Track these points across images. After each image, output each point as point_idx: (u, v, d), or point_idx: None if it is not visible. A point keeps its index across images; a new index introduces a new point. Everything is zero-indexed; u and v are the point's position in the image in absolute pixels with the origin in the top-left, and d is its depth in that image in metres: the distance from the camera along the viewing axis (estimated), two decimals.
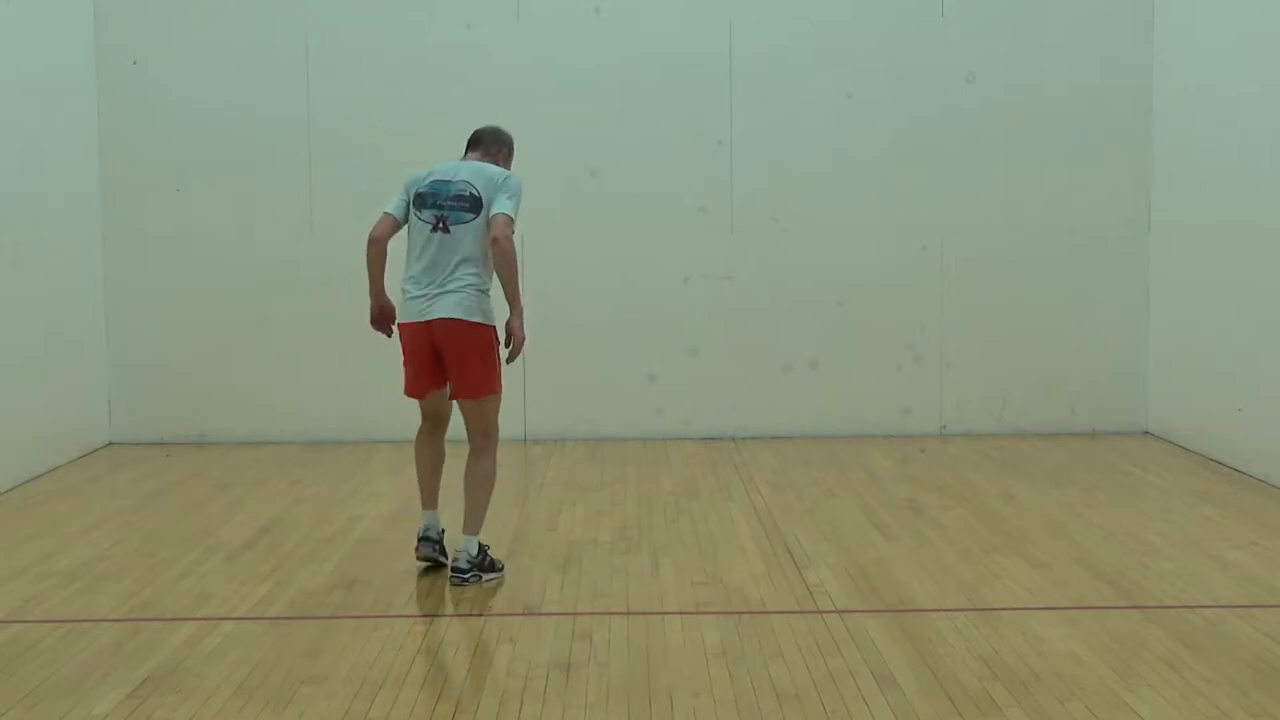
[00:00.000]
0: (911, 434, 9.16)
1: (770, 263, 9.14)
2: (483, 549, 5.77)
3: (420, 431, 6.06)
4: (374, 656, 4.78)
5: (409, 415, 9.18)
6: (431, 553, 5.85)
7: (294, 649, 4.88)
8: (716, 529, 6.67)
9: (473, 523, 5.75)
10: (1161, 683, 4.45)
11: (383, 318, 5.95)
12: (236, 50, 9.03)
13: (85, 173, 8.87)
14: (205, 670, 4.65)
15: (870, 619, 5.16)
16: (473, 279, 5.66)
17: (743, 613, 5.29)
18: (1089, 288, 9.18)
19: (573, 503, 7.29)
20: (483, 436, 5.78)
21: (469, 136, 6.03)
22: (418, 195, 5.77)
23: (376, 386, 8.99)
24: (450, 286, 5.64)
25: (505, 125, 6.11)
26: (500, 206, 5.64)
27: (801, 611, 5.29)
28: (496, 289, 5.70)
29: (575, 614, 5.29)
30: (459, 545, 5.75)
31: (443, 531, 5.92)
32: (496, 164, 5.90)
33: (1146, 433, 9.15)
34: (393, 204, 5.85)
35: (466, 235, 5.66)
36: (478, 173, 5.76)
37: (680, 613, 5.30)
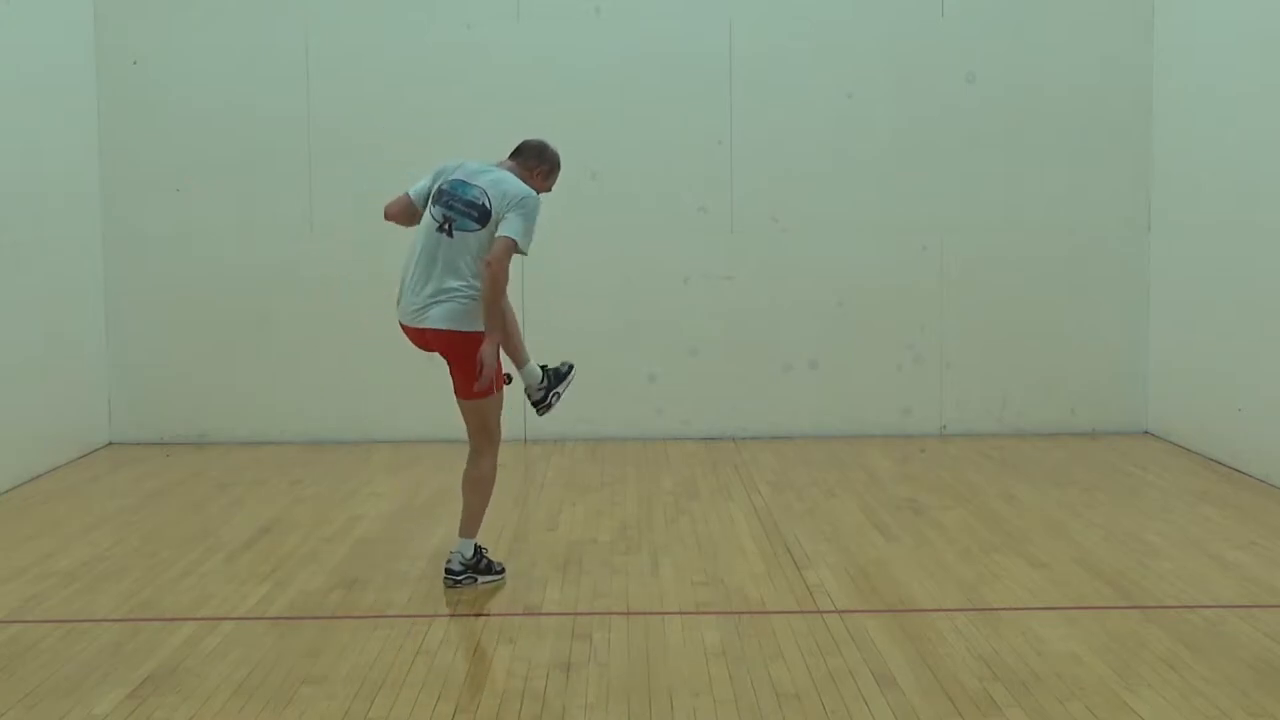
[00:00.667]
0: (911, 434, 9.16)
1: (770, 263, 9.14)
2: (479, 551, 5.76)
3: None
4: (374, 656, 4.78)
5: (409, 415, 9.23)
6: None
7: (294, 649, 4.88)
8: (716, 529, 6.67)
9: (468, 525, 5.74)
10: (1161, 683, 4.45)
11: None
12: (236, 50, 9.03)
13: (85, 173, 8.87)
14: (205, 670, 4.65)
15: (870, 619, 5.16)
16: (463, 286, 5.54)
17: (743, 613, 5.30)
18: (1089, 288, 9.18)
19: (573, 503, 7.29)
20: (481, 438, 5.74)
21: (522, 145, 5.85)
22: (438, 190, 5.66)
23: (376, 386, 9.04)
24: (441, 295, 5.55)
25: (553, 144, 5.87)
26: (507, 228, 5.48)
27: (801, 611, 5.29)
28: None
29: (575, 614, 5.29)
30: (454, 546, 5.75)
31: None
32: (528, 180, 5.70)
33: (1146, 433, 9.15)
34: (416, 187, 5.74)
35: (468, 244, 5.54)
36: (498, 184, 5.57)
37: (680, 613, 5.30)
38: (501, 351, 5.69)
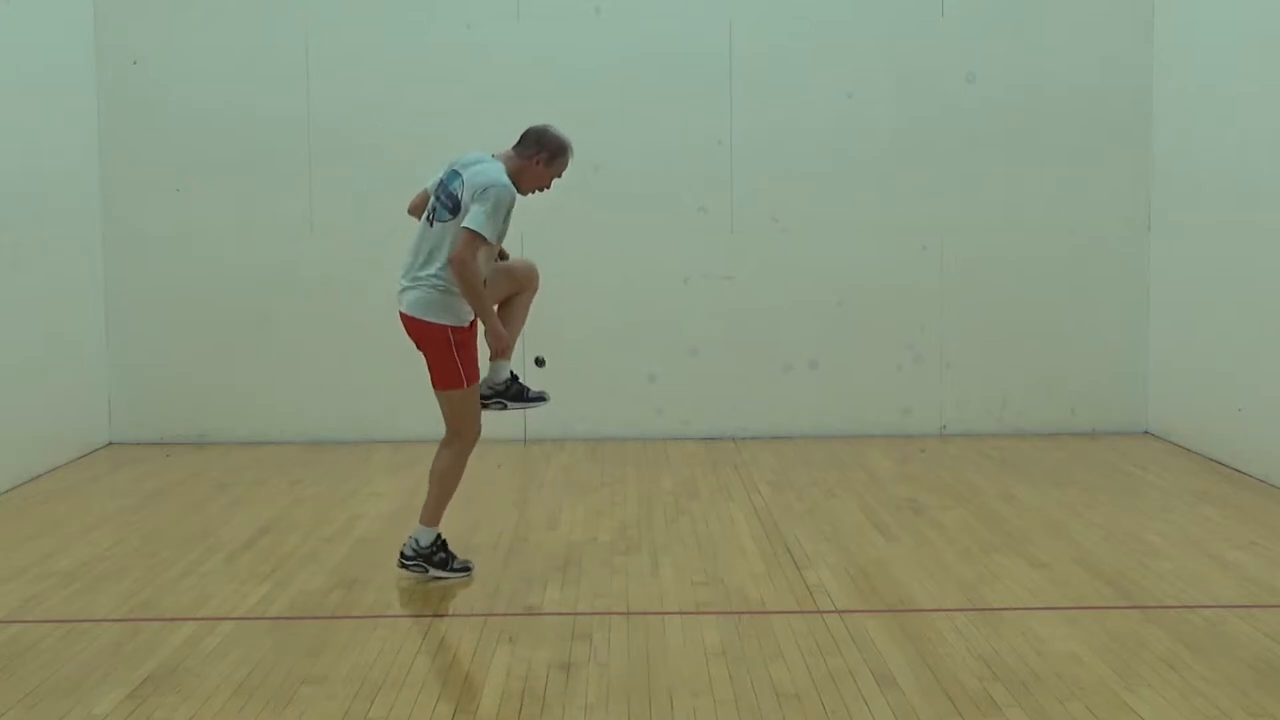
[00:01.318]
0: (911, 434, 9.16)
1: (770, 263, 9.14)
2: (438, 542, 5.75)
3: None
4: (374, 656, 4.78)
5: (409, 415, 9.22)
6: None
7: (294, 649, 4.88)
8: (716, 529, 6.67)
9: (426, 513, 5.77)
10: (1161, 683, 4.45)
11: None
12: (236, 50, 9.03)
13: (85, 173, 8.87)
14: (205, 670, 4.65)
15: (870, 619, 5.16)
16: (434, 276, 5.57)
17: (743, 613, 5.29)
18: (1089, 288, 9.18)
19: (573, 503, 7.29)
20: (450, 430, 5.76)
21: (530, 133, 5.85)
22: (437, 180, 5.74)
23: (376, 386, 9.04)
24: (415, 283, 5.62)
25: (560, 129, 5.85)
26: (468, 219, 5.47)
27: (801, 611, 5.29)
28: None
29: (575, 614, 5.29)
30: (412, 531, 5.80)
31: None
32: (527, 169, 5.69)
33: (1146, 433, 9.15)
34: (431, 179, 5.80)
35: (444, 234, 5.57)
36: (477, 174, 5.58)
37: (680, 613, 5.30)
38: (454, 348, 5.62)
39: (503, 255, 5.90)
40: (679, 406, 9.19)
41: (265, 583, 5.74)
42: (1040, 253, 9.15)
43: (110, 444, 9.07)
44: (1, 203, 7.64)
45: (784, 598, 5.48)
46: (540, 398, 5.91)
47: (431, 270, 5.59)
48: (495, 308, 5.74)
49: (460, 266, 5.44)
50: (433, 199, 5.70)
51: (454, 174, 5.67)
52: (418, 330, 5.64)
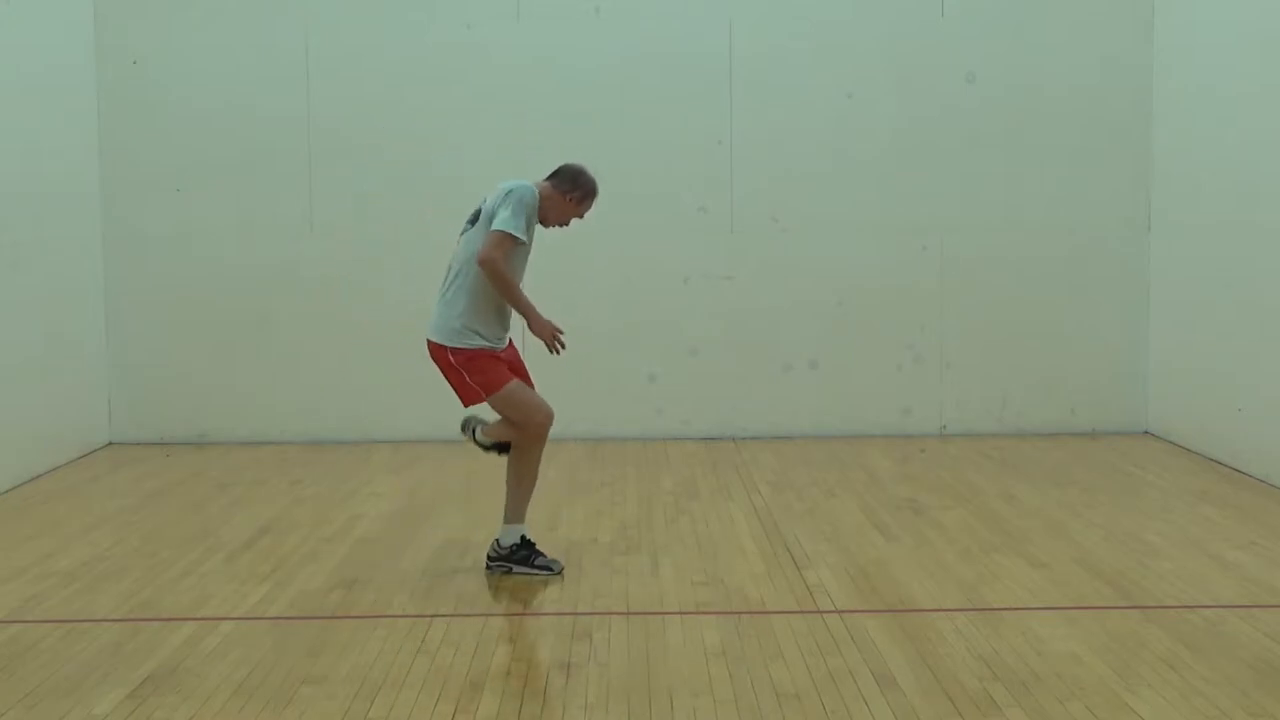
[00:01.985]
0: (911, 434, 9.16)
1: (770, 263, 9.14)
2: (522, 541, 5.83)
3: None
4: (374, 656, 4.78)
5: (409, 415, 9.22)
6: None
7: (294, 649, 4.88)
8: (716, 529, 6.66)
9: (508, 512, 5.87)
10: (1161, 683, 4.45)
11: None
12: (236, 50, 9.03)
13: (85, 173, 8.87)
14: (205, 670, 4.65)
15: (870, 619, 5.16)
16: (445, 293, 5.70)
17: (743, 613, 5.29)
18: (1089, 288, 9.18)
19: (573, 503, 7.29)
20: (514, 431, 5.81)
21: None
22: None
23: (376, 386, 9.03)
24: (437, 304, 5.73)
25: (592, 171, 5.91)
26: (497, 222, 5.53)
27: (801, 611, 5.28)
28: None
29: (575, 614, 5.29)
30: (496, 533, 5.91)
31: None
32: (556, 199, 5.74)
33: (1146, 433, 9.15)
34: None
35: (466, 247, 5.69)
36: (501, 186, 5.68)
37: (680, 613, 5.30)
38: (458, 368, 5.68)
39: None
40: (679, 406, 9.19)
41: (265, 583, 5.74)
42: (1040, 253, 9.15)
43: (110, 444, 9.07)
44: (1, 203, 7.64)
45: (784, 598, 5.48)
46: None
47: (454, 286, 5.68)
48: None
49: (489, 266, 5.50)
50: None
51: (483, 199, 5.77)
52: (431, 352, 5.73)
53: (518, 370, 5.85)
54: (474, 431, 5.98)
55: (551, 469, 8.22)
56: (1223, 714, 4.18)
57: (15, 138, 7.81)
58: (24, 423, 7.81)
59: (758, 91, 9.08)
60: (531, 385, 5.87)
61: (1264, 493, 7.30)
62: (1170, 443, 8.78)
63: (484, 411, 5.90)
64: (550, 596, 5.55)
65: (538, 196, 5.68)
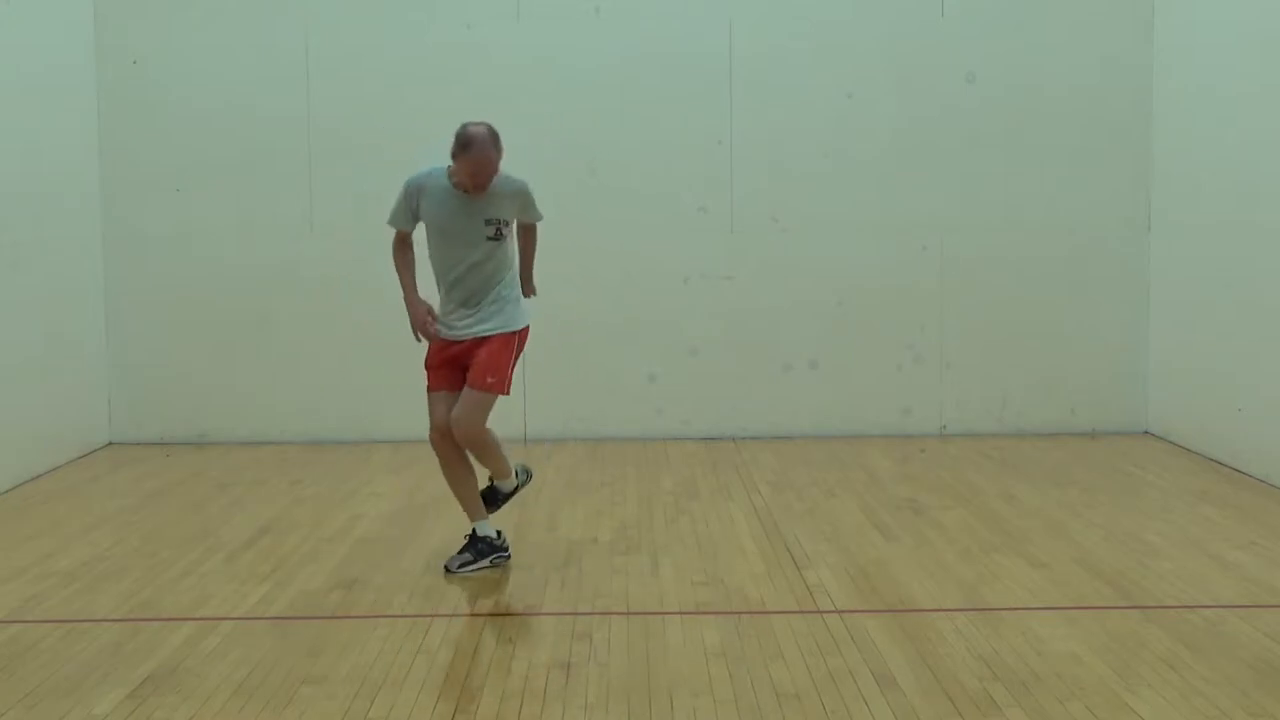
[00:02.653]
0: (911, 434, 9.16)
1: (770, 263, 9.14)
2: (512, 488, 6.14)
3: None
4: (374, 656, 4.78)
5: (409, 415, 9.20)
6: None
7: (294, 649, 4.88)
8: (716, 529, 6.66)
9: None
10: (1161, 683, 4.45)
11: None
12: (236, 50, 9.03)
13: (85, 173, 8.87)
14: (205, 670, 4.65)
15: (870, 619, 5.16)
16: None
17: (743, 613, 5.29)
18: (1089, 288, 9.18)
19: (573, 503, 7.29)
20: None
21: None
22: None
23: (376, 386, 9.04)
24: None
25: (480, 126, 5.75)
26: None
27: (801, 611, 5.29)
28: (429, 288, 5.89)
29: (575, 614, 5.29)
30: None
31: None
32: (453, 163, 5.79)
33: (1146, 433, 9.14)
34: None
35: None
36: None
37: (680, 613, 5.30)
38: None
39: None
40: (679, 406, 9.19)
41: (265, 583, 5.74)
42: (1040, 253, 9.15)
43: (110, 444, 9.07)
44: (1, 203, 7.64)
45: (784, 598, 5.48)
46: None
47: None
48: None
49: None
50: None
51: None
52: None
53: (452, 370, 5.80)
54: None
55: (551, 469, 8.24)
56: (1223, 714, 4.18)
57: (15, 138, 7.81)
58: (24, 423, 7.81)
59: (758, 91, 9.08)
60: (462, 387, 5.77)
61: (1264, 493, 7.30)
62: (1170, 443, 8.78)
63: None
64: (550, 596, 5.55)
65: (409, 186, 5.81)
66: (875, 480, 7.79)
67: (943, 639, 4.90)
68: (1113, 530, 6.52)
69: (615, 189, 9.11)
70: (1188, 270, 8.58)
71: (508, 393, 5.81)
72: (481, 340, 5.75)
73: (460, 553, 5.92)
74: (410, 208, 5.79)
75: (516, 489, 6.20)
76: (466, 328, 5.76)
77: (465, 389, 5.72)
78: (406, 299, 5.83)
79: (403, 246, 5.92)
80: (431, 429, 5.83)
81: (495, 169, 5.67)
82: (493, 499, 6.12)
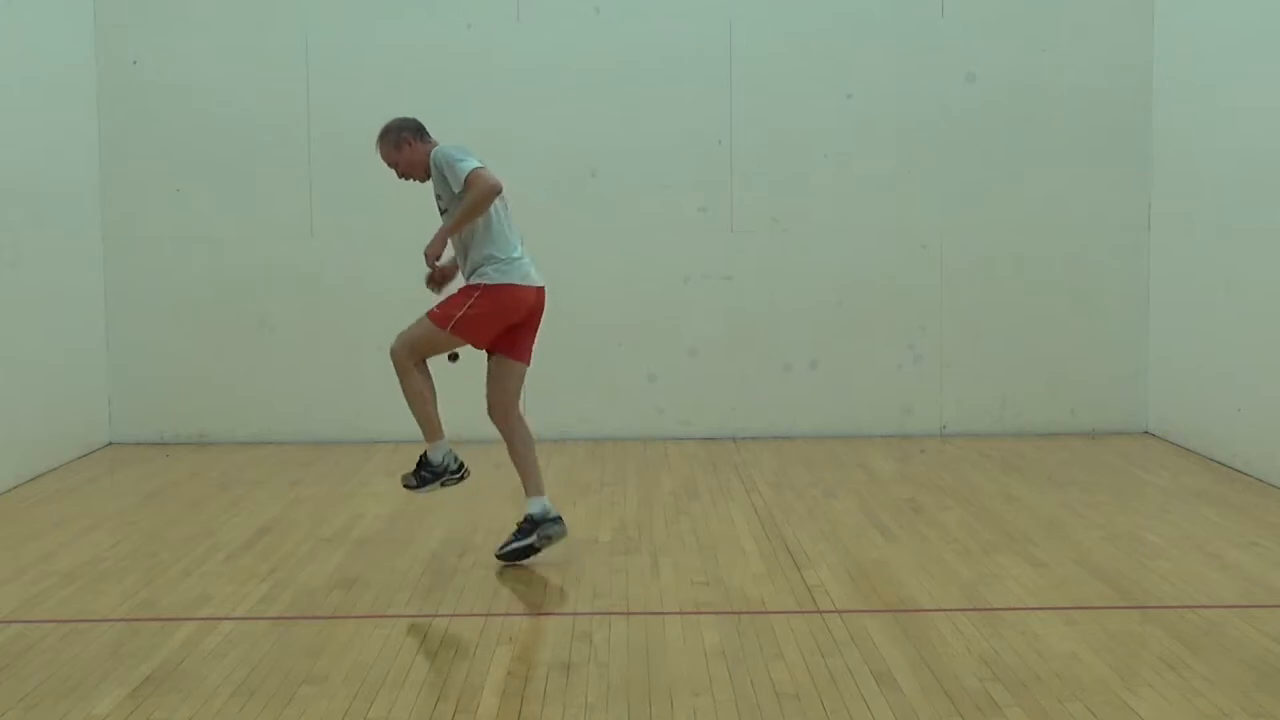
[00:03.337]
0: (911, 434, 9.16)
1: (770, 263, 9.14)
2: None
3: (425, 364, 6.04)
4: (374, 656, 4.78)
5: (409, 415, 9.16)
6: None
7: (294, 649, 4.88)
8: (716, 529, 6.66)
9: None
10: (1161, 683, 4.45)
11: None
12: (237, 50, 9.03)
13: (85, 173, 8.87)
14: (205, 670, 4.65)
15: (870, 619, 5.16)
16: None
17: (743, 613, 5.29)
18: (1089, 288, 9.18)
19: (573, 503, 7.28)
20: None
21: (419, 122, 6.01)
22: None
23: (376, 386, 8.97)
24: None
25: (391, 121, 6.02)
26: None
27: (801, 611, 5.29)
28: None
29: (575, 614, 5.29)
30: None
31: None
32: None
33: (1146, 433, 9.14)
34: (475, 159, 5.78)
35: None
36: None
37: (680, 613, 5.30)
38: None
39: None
40: (679, 406, 9.19)
41: (265, 583, 5.74)
42: (1040, 253, 9.15)
43: (110, 444, 9.07)
44: (1, 203, 7.64)
45: (784, 598, 5.48)
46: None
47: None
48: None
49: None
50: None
51: None
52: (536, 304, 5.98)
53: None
54: None
55: (551, 469, 8.23)
56: (1223, 714, 4.17)
57: (15, 138, 7.81)
58: (24, 423, 7.80)
59: (758, 91, 9.08)
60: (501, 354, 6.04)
61: (1264, 493, 7.30)
62: (1170, 443, 8.77)
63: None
64: (550, 596, 5.56)
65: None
66: (875, 480, 7.79)
67: (943, 639, 4.90)
68: (1112, 530, 6.52)
69: (615, 189, 9.11)
70: (1188, 270, 8.58)
71: (446, 329, 5.84)
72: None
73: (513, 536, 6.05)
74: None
75: (442, 474, 6.04)
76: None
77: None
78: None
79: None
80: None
81: (390, 161, 5.95)
82: (420, 472, 6.06)
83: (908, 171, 9.11)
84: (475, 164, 5.70)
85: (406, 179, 6.01)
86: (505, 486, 7.74)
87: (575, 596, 5.54)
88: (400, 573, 5.88)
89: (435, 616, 5.30)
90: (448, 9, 9.05)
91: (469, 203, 5.67)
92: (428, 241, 5.78)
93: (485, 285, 5.82)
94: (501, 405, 6.02)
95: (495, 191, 5.70)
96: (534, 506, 6.01)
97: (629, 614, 5.30)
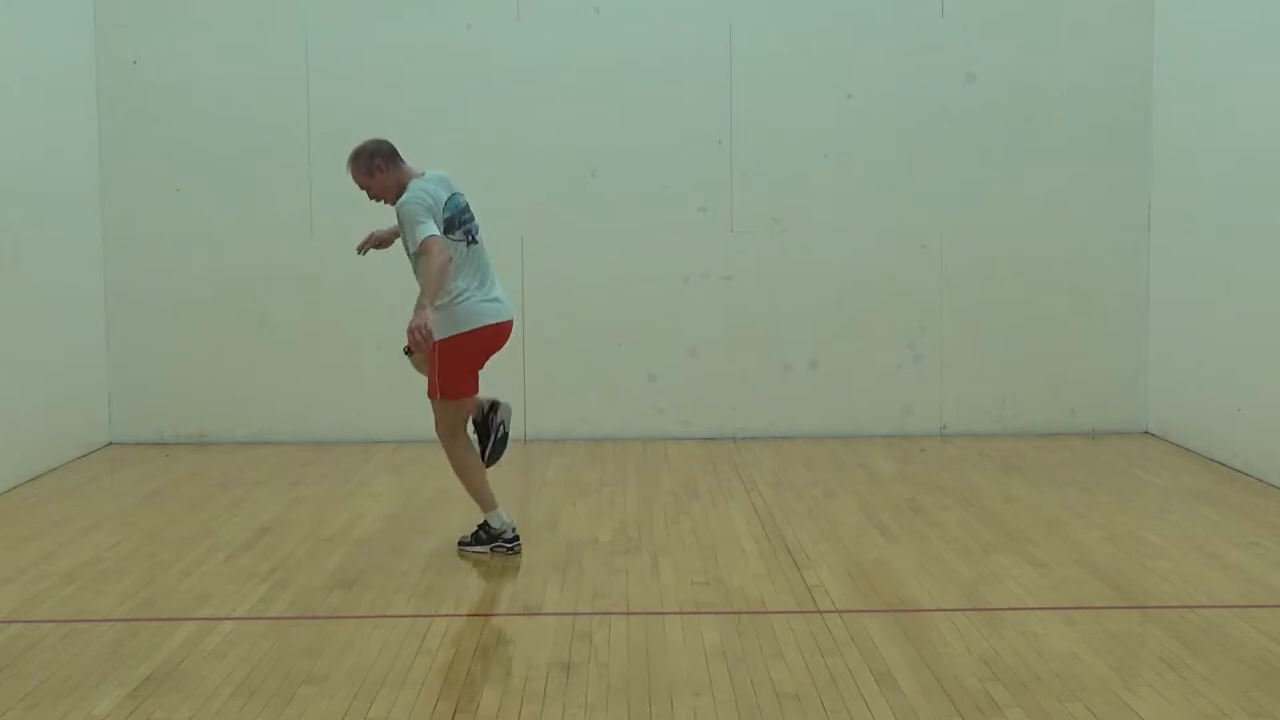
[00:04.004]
0: (911, 434, 9.16)
1: (770, 263, 9.14)
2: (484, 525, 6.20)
3: (464, 434, 6.13)
4: (374, 656, 4.78)
5: (409, 415, 9.19)
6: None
7: (294, 649, 4.88)
8: (716, 529, 6.66)
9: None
10: (1161, 683, 4.45)
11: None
12: (237, 51, 9.02)
13: (85, 173, 8.87)
14: (205, 670, 4.65)
15: (870, 619, 5.16)
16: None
17: (743, 613, 5.30)
18: (1089, 288, 9.17)
19: (573, 503, 7.29)
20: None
21: (392, 145, 6.06)
22: (449, 219, 5.93)
23: (376, 386, 9.04)
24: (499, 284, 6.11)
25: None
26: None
27: (801, 611, 5.29)
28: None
29: (575, 614, 5.29)
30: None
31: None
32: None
33: (1146, 433, 9.14)
34: (434, 226, 5.78)
35: (485, 243, 6.08)
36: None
37: (680, 613, 5.30)
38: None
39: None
40: (679, 406, 9.19)
41: (265, 583, 5.74)
42: (1040, 253, 9.15)
43: (110, 444, 9.07)
44: (1, 203, 7.64)
45: (784, 598, 5.48)
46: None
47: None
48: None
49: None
50: (457, 232, 5.95)
51: (455, 197, 6.03)
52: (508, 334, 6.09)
53: None
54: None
55: (551, 469, 8.25)
56: (1223, 714, 4.18)
57: (15, 138, 7.81)
58: (24, 423, 7.81)
59: (758, 91, 9.08)
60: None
61: (1264, 493, 7.30)
62: (1170, 443, 8.77)
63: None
64: (550, 596, 5.56)
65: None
66: (875, 480, 7.79)
67: (943, 639, 4.90)
68: (1112, 530, 6.52)
69: (615, 189, 9.11)
70: (1188, 270, 8.58)
71: (441, 397, 5.98)
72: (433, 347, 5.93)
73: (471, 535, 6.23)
74: None
75: (496, 539, 6.16)
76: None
77: None
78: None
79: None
80: None
81: (361, 184, 6.05)
82: (478, 532, 6.19)
83: (908, 172, 9.11)
84: (430, 231, 5.72)
85: (378, 201, 6.07)
86: (505, 487, 7.75)
87: (575, 596, 5.54)
88: (400, 573, 5.88)
89: (435, 616, 5.30)
90: (448, 9, 9.05)
91: (427, 276, 5.73)
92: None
93: (439, 342, 5.84)
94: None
95: (445, 264, 5.72)
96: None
97: (629, 614, 5.30)
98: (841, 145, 9.10)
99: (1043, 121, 9.09)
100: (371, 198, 6.07)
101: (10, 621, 5.22)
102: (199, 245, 9.08)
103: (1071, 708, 4.23)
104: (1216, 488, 7.47)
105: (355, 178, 6.02)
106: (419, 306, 5.75)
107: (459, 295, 5.89)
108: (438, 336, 5.78)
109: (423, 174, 6.02)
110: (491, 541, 6.12)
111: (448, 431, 6.05)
